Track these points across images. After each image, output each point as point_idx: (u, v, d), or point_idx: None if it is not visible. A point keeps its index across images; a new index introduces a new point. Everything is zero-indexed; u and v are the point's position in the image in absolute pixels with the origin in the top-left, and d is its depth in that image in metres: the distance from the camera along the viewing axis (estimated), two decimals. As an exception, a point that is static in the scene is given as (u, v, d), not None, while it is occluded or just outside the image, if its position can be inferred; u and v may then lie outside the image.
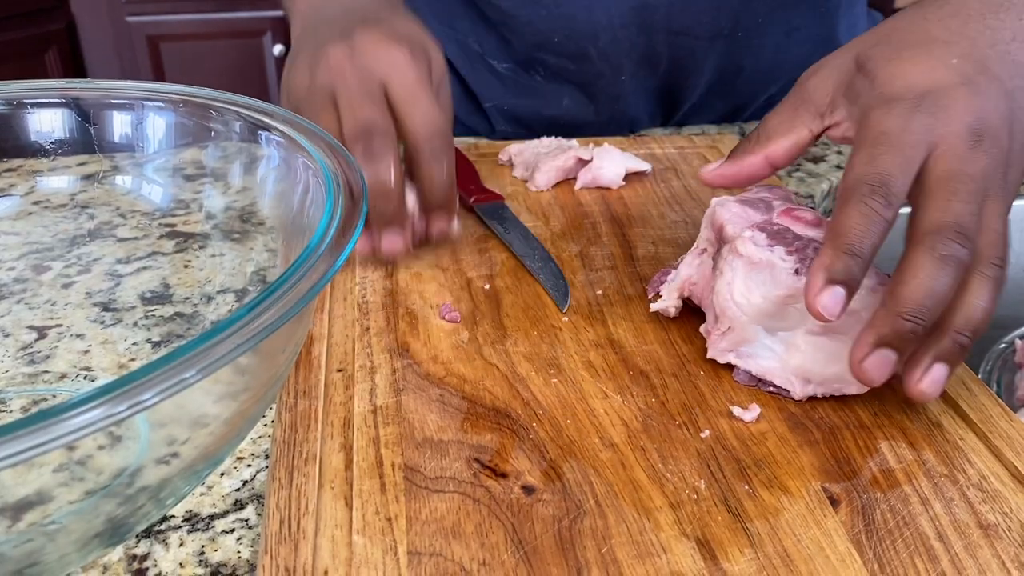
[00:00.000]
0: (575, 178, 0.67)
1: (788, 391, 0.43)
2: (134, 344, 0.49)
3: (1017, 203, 0.79)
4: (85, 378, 0.47)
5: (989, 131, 0.41)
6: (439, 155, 0.53)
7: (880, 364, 0.39)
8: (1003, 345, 0.60)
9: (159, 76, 2.33)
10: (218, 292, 0.52)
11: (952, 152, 0.41)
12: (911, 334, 0.39)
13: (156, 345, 0.49)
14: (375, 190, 0.51)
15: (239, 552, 0.37)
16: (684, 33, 0.80)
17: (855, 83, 0.45)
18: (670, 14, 0.78)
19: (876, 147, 0.42)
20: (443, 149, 0.53)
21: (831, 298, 0.39)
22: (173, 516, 0.39)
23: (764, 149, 0.47)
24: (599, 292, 0.52)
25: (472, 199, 0.62)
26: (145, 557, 0.37)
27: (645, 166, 0.67)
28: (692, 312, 0.50)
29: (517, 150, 0.69)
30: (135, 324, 0.51)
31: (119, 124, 0.48)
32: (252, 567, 0.36)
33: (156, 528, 0.38)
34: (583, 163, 0.66)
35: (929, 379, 0.39)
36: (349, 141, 0.51)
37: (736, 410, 0.42)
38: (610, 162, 0.65)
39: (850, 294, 0.39)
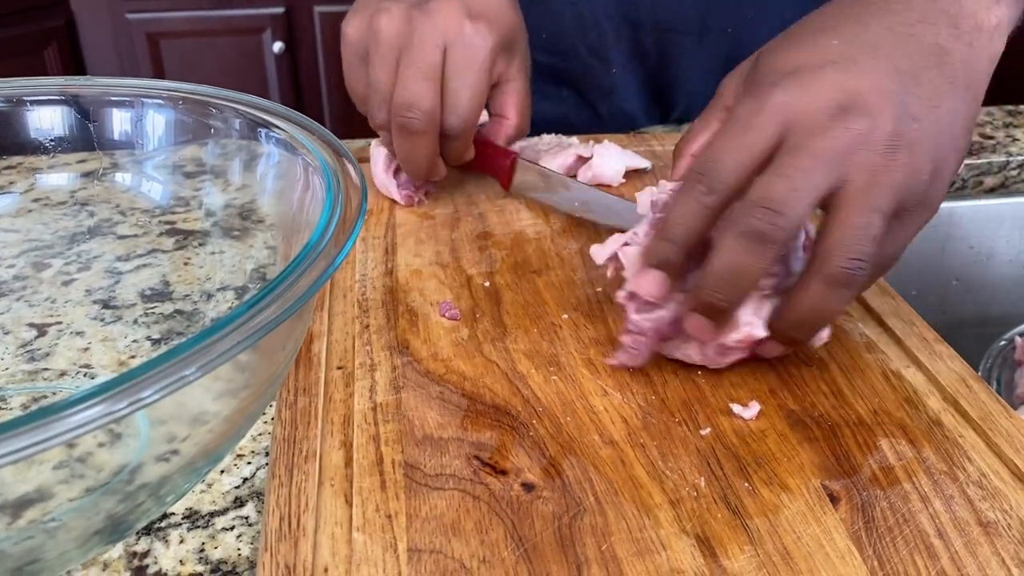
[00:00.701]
0: (575, 175, 0.67)
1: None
2: (134, 341, 0.49)
3: (1017, 200, 0.79)
4: (85, 375, 0.47)
5: (858, 107, 0.39)
6: (406, 131, 0.55)
7: (697, 324, 0.42)
8: (1003, 342, 0.60)
9: (159, 73, 2.33)
10: (218, 289, 0.52)
11: (806, 129, 0.39)
12: (715, 306, 0.40)
13: (156, 342, 0.49)
14: (404, 162, 0.57)
15: (239, 549, 0.37)
16: (671, 30, 0.80)
17: (751, 75, 0.45)
18: (655, 10, 0.78)
19: (722, 132, 0.41)
20: (457, 133, 0.55)
21: (648, 280, 0.42)
22: (173, 513, 0.39)
23: (688, 149, 0.48)
24: (599, 290, 0.52)
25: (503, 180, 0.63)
26: (145, 554, 0.37)
27: (645, 163, 0.67)
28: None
29: (517, 148, 0.69)
30: (135, 321, 0.51)
31: (119, 121, 0.48)
32: (252, 564, 0.36)
33: (156, 525, 0.38)
34: (583, 160, 0.66)
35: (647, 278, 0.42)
36: (394, 110, 0.54)
37: (736, 407, 0.42)
38: (610, 159, 0.65)
39: (670, 275, 0.42)
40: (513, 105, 0.61)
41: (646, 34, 0.80)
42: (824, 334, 0.44)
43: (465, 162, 0.60)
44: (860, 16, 0.43)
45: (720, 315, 0.41)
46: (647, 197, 0.47)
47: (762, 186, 0.39)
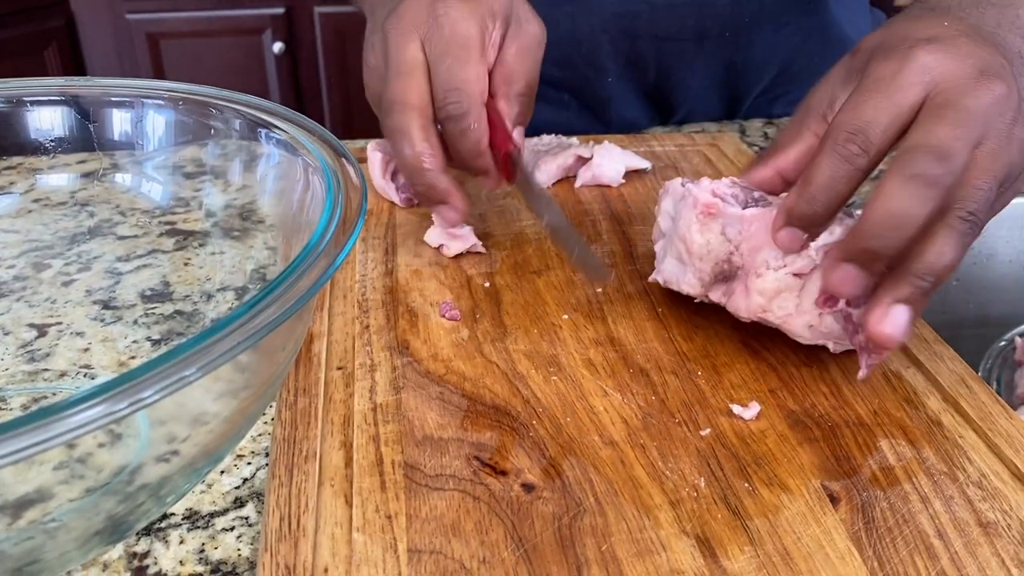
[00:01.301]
0: (575, 176, 0.67)
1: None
2: (134, 342, 0.49)
3: (1018, 201, 0.79)
4: (85, 376, 0.47)
5: (996, 74, 0.40)
6: (456, 120, 0.50)
7: (845, 278, 0.40)
8: (1003, 343, 0.60)
9: (159, 74, 2.33)
10: (218, 290, 0.52)
11: (952, 87, 0.40)
12: (873, 252, 0.39)
13: (156, 343, 0.49)
14: (404, 168, 0.52)
15: (239, 550, 0.37)
16: (670, 38, 0.80)
17: (853, 64, 0.45)
18: (653, 20, 0.78)
19: (864, 92, 0.41)
20: (460, 113, 0.50)
21: (787, 237, 0.42)
22: (173, 514, 0.39)
23: (773, 161, 0.46)
24: (599, 290, 0.52)
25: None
26: (145, 555, 0.37)
27: (645, 164, 0.67)
28: (692, 311, 0.50)
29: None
30: (135, 322, 0.51)
31: (119, 122, 0.48)
32: (252, 565, 0.36)
33: (156, 526, 0.38)
34: (583, 161, 0.66)
35: (890, 320, 0.39)
36: (383, 113, 0.52)
37: (736, 408, 0.42)
38: (610, 160, 0.65)
39: (810, 236, 0.41)
40: (514, 74, 0.55)
41: (644, 44, 0.80)
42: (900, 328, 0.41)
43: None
44: (946, 18, 0.45)
45: (877, 264, 0.39)
46: (669, 203, 0.48)
47: (935, 135, 0.39)
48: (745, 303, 0.45)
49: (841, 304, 0.42)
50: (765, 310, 0.44)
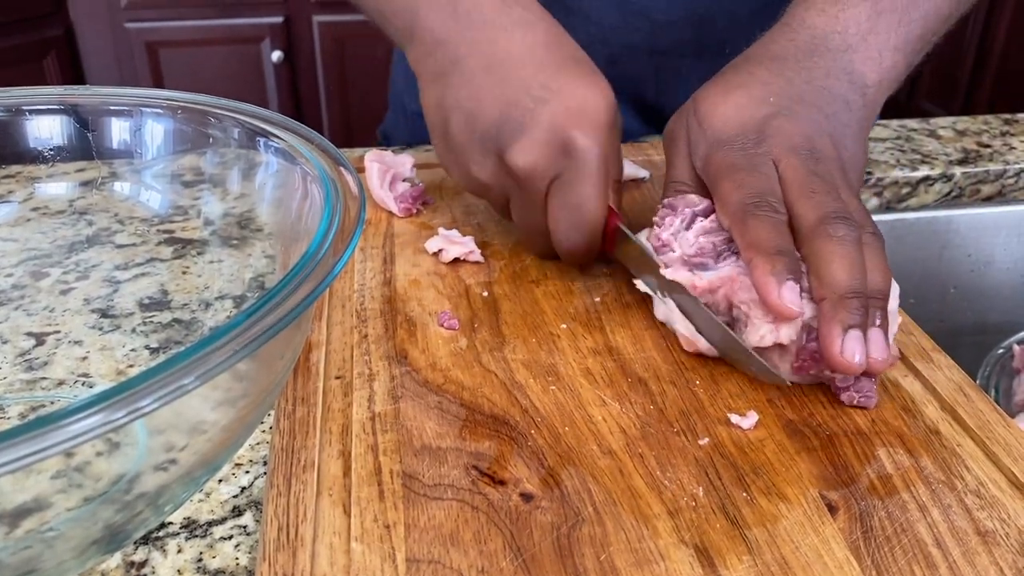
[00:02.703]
0: None
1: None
2: (132, 350, 0.49)
3: (1015, 208, 0.79)
4: (83, 384, 0.47)
5: (814, 144, 0.48)
6: (580, 246, 0.52)
7: (856, 344, 0.41)
8: (1001, 351, 0.60)
9: (158, 82, 2.33)
10: (216, 298, 0.52)
11: (795, 163, 0.47)
12: (859, 309, 0.42)
13: (154, 351, 0.49)
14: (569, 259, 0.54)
15: (237, 559, 0.37)
16: (668, 53, 0.80)
17: (691, 137, 0.51)
18: (652, 35, 0.78)
19: (735, 175, 0.47)
20: (588, 241, 0.51)
21: (789, 292, 0.42)
22: (171, 523, 0.39)
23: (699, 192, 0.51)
24: (597, 299, 0.52)
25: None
26: (143, 564, 0.37)
27: (643, 173, 0.67)
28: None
29: None
30: (133, 330, 0.51)
31: (118, 130, 0.48)
32: (250, 574, 0.36)
33: (154, 535, 0.38)
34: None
35: (876, 347, 0.42)
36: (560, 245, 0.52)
37: (734, 417, 0.42)
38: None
39: (798, 282, 0.43)
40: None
41: (643, 59, 0.80)
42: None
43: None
44: (782, 71, 0.52)
45: (863, 319, 0.43)
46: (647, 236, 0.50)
47: (823, 204, 0.45)
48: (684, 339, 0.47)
49: (826, 371, 0.43)
50: (761, 352, 0.45)
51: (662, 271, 0.47)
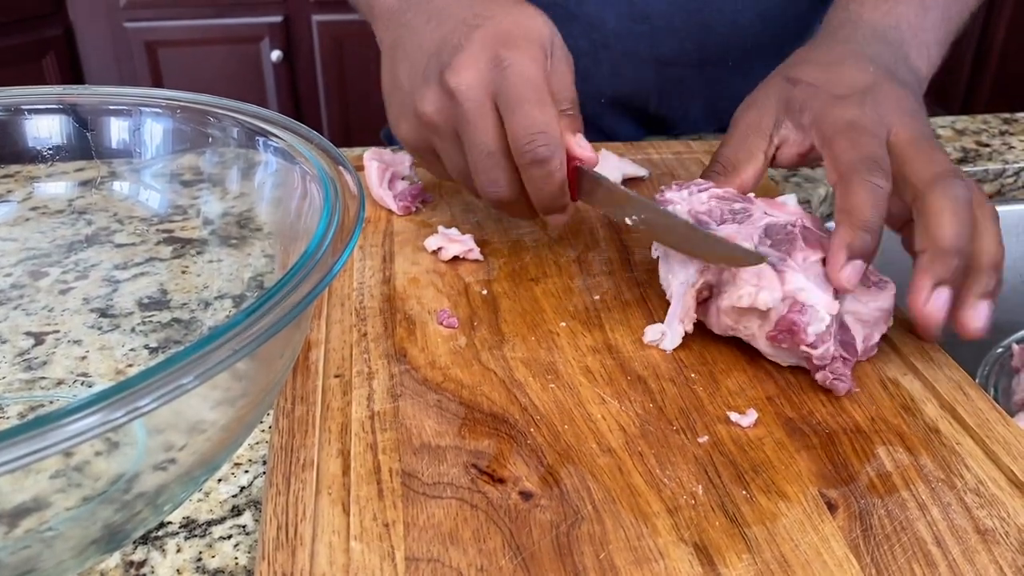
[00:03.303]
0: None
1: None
2: (131, 350, 0.49)
3: (1014, 208, 0.79)
4: (82, 384, 0.47)
5: (917, 109, 0.50)
6: (539, 160, 0.49)
7: (940, 303, 0.44)
8: (1000, 349, 0.60)
9: (157, 82, 2.33)
10: (216, 298, 0.52)
11: (908, 123, 0.48)
12: (958, 269, 0.44)
13: (153, 351, 0.49)
14: (540, 200, 0.52)
15: (236, 558, 0.37)
16: (670, 62, 0.80)
17: (794, 97, 0.51)
18: (655, 41, 0.78)
19: (852, 133, 0.47)
20: (548, 156, 0.49)
21: (853, 271, 0.44)
22: (170, 522, 0.39)
23: (735, 181, 0.51)
24: (596, 297, 0.52)
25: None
26: (142, 563, 0.37)
27: (643, 172, 0.67)
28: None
29: None
30: (132, 330, 0.51)
31: (117, 130, 0.48)
32: (249, 573, 0.36)
33: (153, 534, 0.38)
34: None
35: (978, 315, 0.44)
36: (517, 149, 0.50)
37: (733, 415, 0.42)
38: (607, 168, 0.65)
39: (867, 264, 0.44)
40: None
41: (645, 67, 0.80)
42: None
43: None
44: (863, 51, 0.54)
45: (957, 280, 0.45)
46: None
47: (936, 162, 0.46)
48: (716, 320, 0.47)
49: (804, 346, 0.43)
50: (733, 328, 0.47)
51: (628, 193, 0.49)
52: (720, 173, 0.52)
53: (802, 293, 0.44)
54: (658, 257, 0.51)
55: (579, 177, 0.52)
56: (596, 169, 0.52)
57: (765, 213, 0.47)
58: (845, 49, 0.54)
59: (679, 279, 0.48)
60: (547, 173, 0.49)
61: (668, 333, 0.48)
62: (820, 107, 0.50)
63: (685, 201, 0.49)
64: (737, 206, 0.48)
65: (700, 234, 0.46)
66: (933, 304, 0.43)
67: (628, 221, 0.50)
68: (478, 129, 0.49)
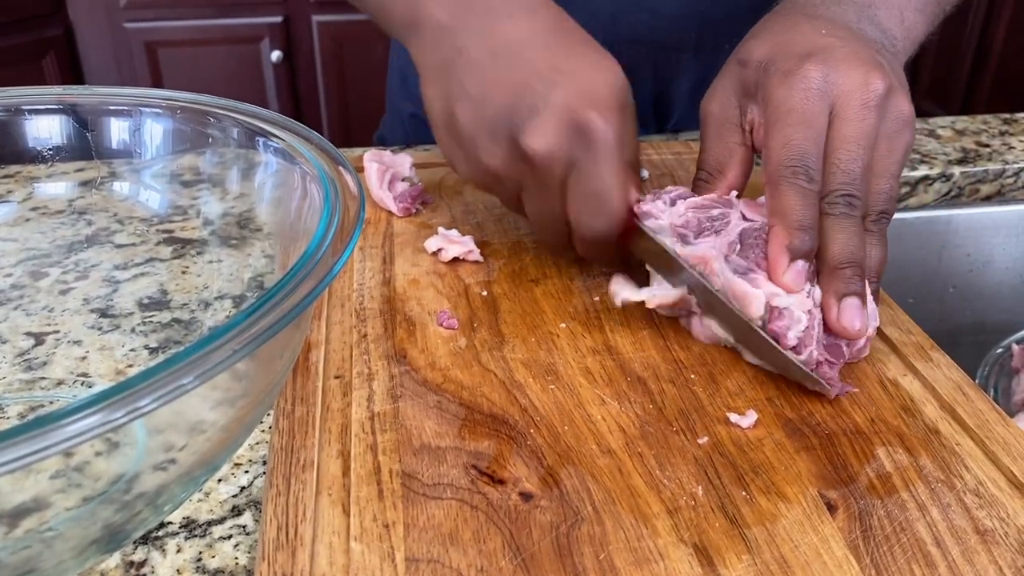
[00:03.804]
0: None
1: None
2: (131, 350, 0.49)
3: (1014, 208, 0.79)
4: (82, 384, 0.47)
5: (876, 65, 0.48)
6: (596, 235, 0.50)
7: (800, 273, 0.44)
8: (1000, 350, 0.60)
9: (157, 82, 2.33)
10: (216, 298, 0.52)
11: (846, 115, 0.47)
12: (857, 278, 0.45)
13: (154, 351, 0.49)
14: (593, 259, 0.55)
15: (236, 558, 0.37)
16: (669, 47, 0.80)
17: (747, 79, 0.50)
18: (654, 28, 0.78)
19: (787, 127, 0.47)
20: (603, 228, 0.49)
21: (795, 273, 0.44)
22: (170, 522, 0.39)
23: (724, 183, 0.51)
24: (596, 298, 0.52)
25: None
26: (143, 563, 0.37)
27: (643, 173, 0.67)
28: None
29: None
30: (133, 330, 0.51)
31: (117, 130, 0.48)
32: (249, 573, 0.36)
33: (153, 534, 0.38)
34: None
35: (846, 311, 0.44)
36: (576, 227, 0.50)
37: (733, 416, 0.42)
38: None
39: (808, 263, 0.45)
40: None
41: (643, 51, 0.80)
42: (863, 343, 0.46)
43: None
44: (819, 14, 0.52)
45: (809, 255, 0.45)
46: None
47: (838, 162, 0.46)
48: (701, 331, 0.48)
49: (787, 351, 0.44)
50: (719, 338, 0.47)
51: (679, 252, 0.47)
52: (707, 180, 0.51)
53: (775, 298, 0.44)
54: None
55: (635, 231, 0.50)
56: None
57: (743, 217, 0.47)
58: (796, 17, 0.52)
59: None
60: (604, 243, 0.50)
61: (631, 294, 0.48)
62: (768, 88, 0.49)
63: (666, 214, 0.48)
64: (716, 212, 0.48)
65: (757, 335, 0.45)
66: (844, 318, 0.44)
67: (678, 291, 0.49)
68: (549, 195, 0.49)
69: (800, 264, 0.45)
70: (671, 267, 0.48)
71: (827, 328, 0.44)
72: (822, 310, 0.45)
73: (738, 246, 0.46)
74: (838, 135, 0.46)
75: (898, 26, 0.54)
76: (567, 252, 0.53)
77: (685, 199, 0.49)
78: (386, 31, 0.59)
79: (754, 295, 0.44)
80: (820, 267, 0.45)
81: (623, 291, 0.48)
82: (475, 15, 0.51)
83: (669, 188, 0.51)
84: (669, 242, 0.48)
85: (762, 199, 0.49)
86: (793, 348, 0.43)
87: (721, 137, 0.51)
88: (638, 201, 0.50)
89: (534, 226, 0.53)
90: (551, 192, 0.49)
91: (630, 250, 0.52)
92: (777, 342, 0.43)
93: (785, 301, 0.44)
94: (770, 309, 0.44)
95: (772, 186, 0.46)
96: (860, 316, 0.44)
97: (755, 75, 0.49)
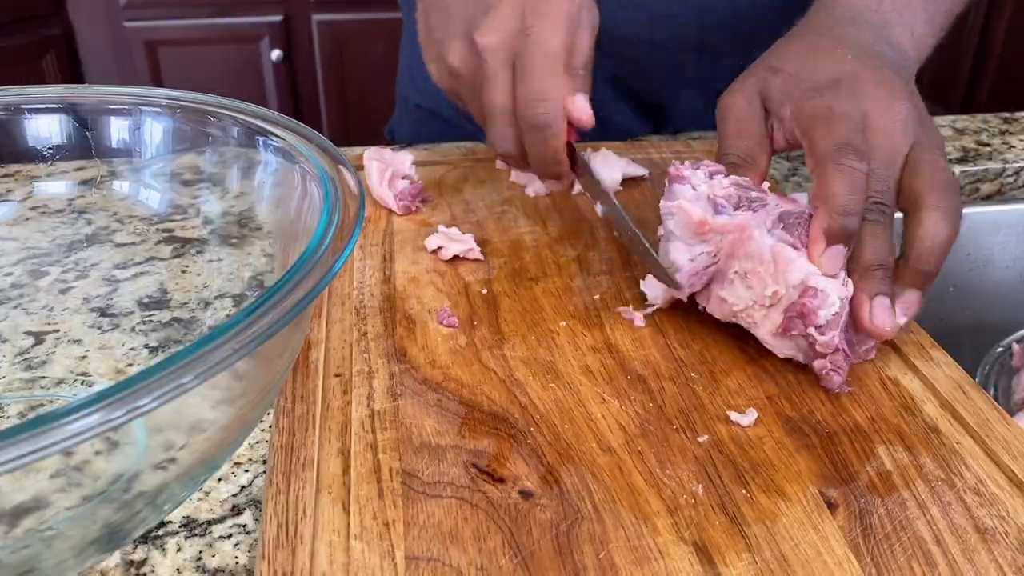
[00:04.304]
0: (572, 182, 0.67)
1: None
2: (131, 349, 0.49)
3: (1014, 207, 0.79)
4: (82, 383, 0.47)
5: (899, 89, 0.50)
6: (537, 126, 0.52)
7: (836, 255, 0.45)
8: (1000, 349, 0.60)
9: (157, 81, 2.33)
10: (216, 297, 0.52)
11: (881, 115, 0.49)
12: (887, 279, 0.45)
13: (153, 350, 0.49)
14: (538, 164, 0.55)
15: (237, 557, 0.37)
16: (667, 47, 0.80)
17: (775, 86, 0.53)
18: (652, 29, 0.78)
19: (829, 121, 0.48)
20: (543, 120, 0.52)
21: (832, 257, 0.45)
22: (170, 521, 0.39)
23: (757, 171, 0.52)
24: (596, 297, 0.52)
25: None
26: (143, 563, 0.37)
27: (642, 171, 0.67)
28: (689, 318, 0.50)
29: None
30: (132, 329, 0.51)
31: (117, 129, 0.48)
32: (250, 572, 0.36)
33: (153, 534, 0.38)
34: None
35: (878, 309, 0.45)
36: (521, 112, 0.53)
37: (733, 415, 0.42)
38: (607, 167, 0.65)
39: (848, 247, 0.45)
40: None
41: (641, 51, 0.80)
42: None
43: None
44: (838, 37, 0.55)
45: (850, 239, 0.46)
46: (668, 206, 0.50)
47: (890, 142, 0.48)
48: (719, 306, 0.48)
49: (810, 330, 0.44)
50: (735, 315, 0.47)
51: (713, 223, 0.49)
52: (739, 164, 0.52)
53: (813, 278, 0.44)
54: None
55: (571, 152, 0.55)
56: (597, 167, 0.54)
57: (779, 204, 0.48)
58: (821, 39, 0.55)
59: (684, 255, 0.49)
60: (543, 139, 0.52)
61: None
62: (799, 97, 0.51)
63: (705, 184, 0.49)
64: (753, 195, 0.48)
65: (642, 247, 0.50)
66: (876, 316, 0.45)
67: (597, 210, 0.54)
68: (494, 88, 0.53)
69: (838, 248, 0.45)
70: (593, 190, 0.54)
71: (857, 326, 0.45)
72: (853, 308, 0.45)
73: (781, 225, 0.46)
74: (871, 145, 0.48)
75: (908, 40, 0.56)
76: (511, 150, 0.55)
77: (725, 175, 0.50)
78: None
79: (796, 261, 0.45)
80: (853, 268, 0.46)
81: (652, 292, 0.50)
82: None
83: (706, 161, 0.51)
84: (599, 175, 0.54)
85: (792, 195, 0.51)
86: (819, 328, 0.43)
87: (748, 128, 0.53)
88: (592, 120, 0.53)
89: (488, 127, 0.55)
90: (499, 87, 0.53)
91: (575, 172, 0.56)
92: (804, 319, 0.44)
93: (823, 283, 0.44)
94: (805, 288, 0.44)
95: (820, 170, 0.47)
96: (890, 315, 0.45)
97: (785, 84, 0.52)
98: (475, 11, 0.54)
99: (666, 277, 0.48)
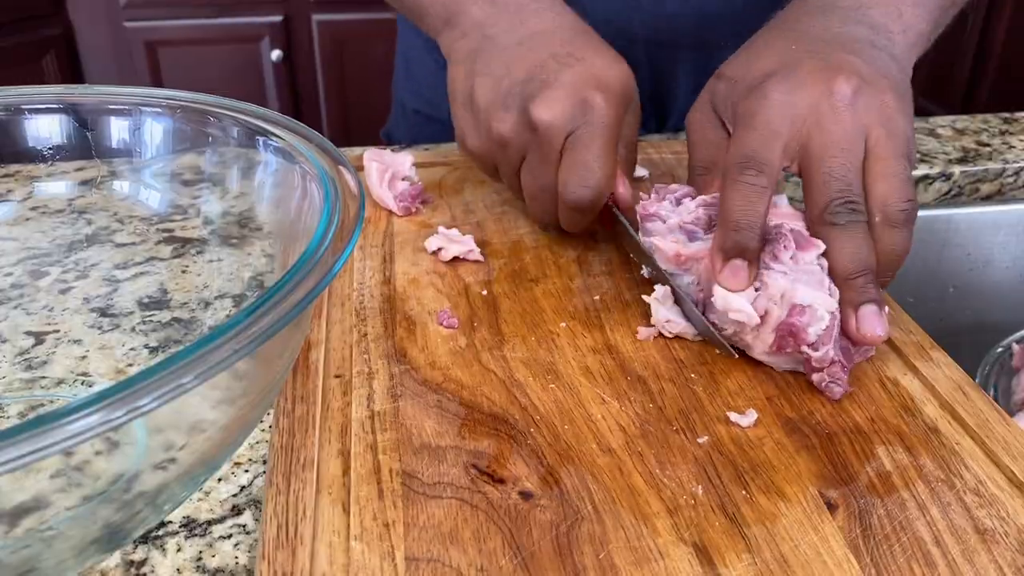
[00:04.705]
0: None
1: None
2: (132, 349, 0.49)
3: (1014, 207, 0.79)
4: (83, 384, 0.47)
5: (841, 73, 0.48)
6: (579, 205, 0.53)
7: (735, 271, 0.45)
8: (1000, 349, 0.60)
9: (157, 82, 2.33)
10: (216, 297, 0.52)
11: (823, 118, 0.47)
12: (869, 285, 0.44)
13: (154, 351, 0.49)
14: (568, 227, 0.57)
15: (237, 558, 0.37)
16: (666, 44, 0.80)
17: (721, 92, 0.52)
18: (649, 27, 0.78)
19: (743, 131, 0.48)
20: (585, 197, 0.52)
21: (731, 272, 0.45)
22: (170, 522, 0.39)
23: (717, 179, 0.51)
24: (596, 298, 0.52)
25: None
26: (143, 563, 0.37)
27: (642, 172, 0.67)
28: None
29: None
30: (133, 329, 0.51)
31: (117, 130, 0.48)
32: (250, 573, 0.36)
33: (153, 534, 0.38)
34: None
35: (865, 319, 0.44)
36: (564, 194, 0.53)
37: (733, 415, 0.42)
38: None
39: (750, 263, 0.45)
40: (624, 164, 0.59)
41: (639, 49, 0.80)
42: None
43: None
44: (798, 28, 0.54)
45: (750, 253, 0.45)
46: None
47: (817, 172, 0.47)
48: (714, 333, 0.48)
49: (803, 347, 0.44)
50: (728, 339, 0.47)
51: (642, 239, 0.50)
52: (704, 174, 0.52)
53: (797, 294, 0.44)
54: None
55: (610, 215, 0.55)
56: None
57: None
58: (776, 32, 0.54)
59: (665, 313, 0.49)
60: (580, 217, 0.54)
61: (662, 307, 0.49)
62: (735, 100, 0.51)
63: (674, 214, 0.49)
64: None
65: (696, 315, 0.48)
66: (864, 327, 0.44)
67: (644, 272, 0.52)
68: (545, 163, 0.53)
69: (737, 263, 0.45)
70: (636, 252, 0.53)
71: (848, 337, 0.44)
72: (840, 320, 0.44)
73: None
74: (818, 146, 0.47)
75: (895, 21, 0.54)
76: (551, 223, 0.57)
77: (692, 197, 0.50)
78: (417, 25, 0.65)
79: (772, 273, 0.45)
80: (833, 277, 0.45)
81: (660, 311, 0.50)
82: (507, 12, 0.58)
83: (673, 186, 0.51)
84: (642, 238, 0.51)
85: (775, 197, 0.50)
86: (811, 345, 0.43)
87: (705, 139, 0.53)
88: (638, 202, 0.52)
89: (527, 195, 0.56)
90: (548, 161, 0.53)
91: (611, 229, 0.57)
92: (795, 337, 0.43)
93: (809, 298, 0.44)
94: (791, 307, 0.44)
95: (723, 186, 0.47)
96: (880, 323, 0.44)
97: (726, 89, 0.52)
98: (530, 82, 0.53)
99: (720, 344, 0.47)
